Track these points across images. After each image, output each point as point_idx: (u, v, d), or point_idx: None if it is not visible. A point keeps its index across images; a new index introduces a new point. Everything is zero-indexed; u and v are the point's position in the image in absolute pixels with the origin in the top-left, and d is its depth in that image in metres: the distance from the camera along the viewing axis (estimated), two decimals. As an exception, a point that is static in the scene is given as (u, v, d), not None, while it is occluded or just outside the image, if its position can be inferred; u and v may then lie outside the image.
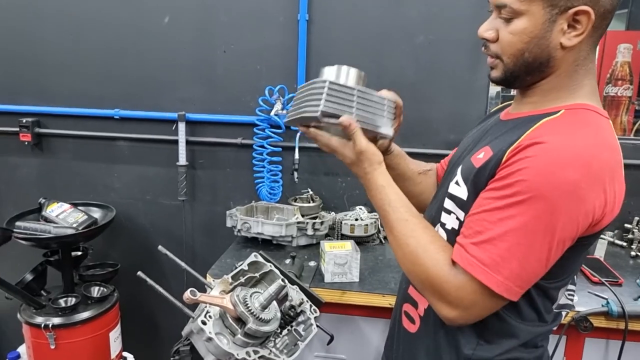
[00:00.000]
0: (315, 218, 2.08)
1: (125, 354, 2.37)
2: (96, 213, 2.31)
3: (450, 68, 2.13)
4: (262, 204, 2.15)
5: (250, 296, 1.25)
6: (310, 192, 2.21)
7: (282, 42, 2.19)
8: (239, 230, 1.96)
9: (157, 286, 1.26)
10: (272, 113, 2.10)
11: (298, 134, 2.17)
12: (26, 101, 2.41)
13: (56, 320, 2.07)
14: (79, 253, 2.33)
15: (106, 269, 2.35)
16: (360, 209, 2.07)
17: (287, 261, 1.74)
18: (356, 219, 2.01)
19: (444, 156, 1.36)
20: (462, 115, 2.16)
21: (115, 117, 2.35)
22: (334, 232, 2.04)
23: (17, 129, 2.39)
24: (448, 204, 1.03)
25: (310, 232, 1.95)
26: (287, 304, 1.36)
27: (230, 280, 1.35)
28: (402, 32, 2.13)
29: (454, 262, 0.91)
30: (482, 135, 1.09)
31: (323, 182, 2.29)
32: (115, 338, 2.26)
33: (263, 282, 1.47)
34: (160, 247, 1.33)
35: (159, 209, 2.44)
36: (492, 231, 0.87)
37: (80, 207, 2.28)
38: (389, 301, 1.62)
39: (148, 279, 1.27)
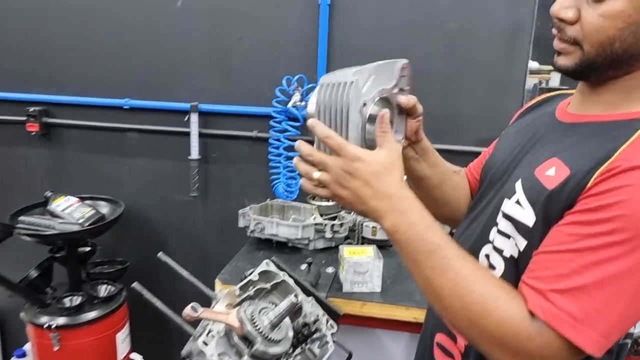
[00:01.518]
0: (334, 219, 1.94)
1: (133, 355, 2.27)
2: (104, 208, 2.20)
3: (484, 58, 1.96)
4: (278, 203, 2.01)
5: (259, 312, 1.12)
6: (330, 190, 2.06)
7: (302, 29, 2.05)
8: (252, 231, 1.83)
9: (153, 298, 1.15)
10: (290, 104, 1.95)
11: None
12: (34, 89, 2.31)
13: (60, 320, 1.99)
14: (87, 249, 2.23)
15: (115, 267, 2.25)
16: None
17: (303, 267, 1.61)
18: (378, 221, 1.87)
19: (475, 154, 1.20)
20: (496, 110, 1.99)
21: (125, 107, 2.23)
22: (354, 234, 1.89)
23: (25, 119, 2.29)
24: (505, 226, 0.85)
25: (328, 234, 1.80)
26: (301, 320, 1.22)
27: (237, 292, 1.22)
28: (431, 17, 1.97)
29: (531, 313, 0.72)
30: (535, 138, 0.91)
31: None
32: (122, 339, 2.16)
33: (275, 293, 1.34)
34: (160, 254, 1.20)
35: (170, 205, 2.33)
36: (584, 277, 0.70)
37: (87, 202, 2.17)
38: (413, 314, 1.47)
39: (144, 291, 1.16)
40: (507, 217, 0.85)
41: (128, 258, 2.28)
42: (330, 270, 1.66)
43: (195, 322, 1.09)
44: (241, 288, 1.26)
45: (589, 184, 0.72)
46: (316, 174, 0.79)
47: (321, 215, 1.93)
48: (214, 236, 2.32)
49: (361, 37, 2.02)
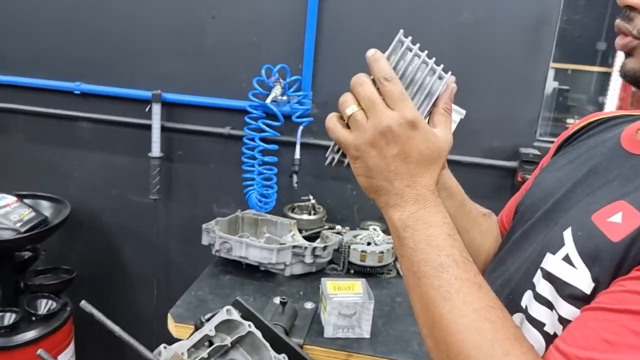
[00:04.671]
0: (317, 235, 1.66)
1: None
2: (47, 210, 1.89)
3: (501, 55, 1.68)
4: (250, 215, 1.71)
5: (211, 391, 0.83)
6: (312, 201, 1.78)
7: (288, 10, 1.74)
8: (217, 251, 1.53)
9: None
10: (269, 100, 1.65)
11: (300, 127, 1.72)
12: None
13: (-10, 342, 1.68)
14: (28, 255, 1.92)
15: (59, 277, 1.95)
16: (374, 229, 1.64)
17: (276, 301, 1.32)
18: (369, 243, 1.58)
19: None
20: (511, 117, 1.71)
21: (76, 92, 1.91)
22: (340, 257, 1.60)
23: (-42, 100, 1.95)
24: (545, 289, 0.60)
25: (308, 259, 1.51)
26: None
27: (185, 356, 0.92)
28: (442, 5, 1.67)
29: None
30: (592, 174, 0.67)
31: (329, 187, 1.85)
32: (65, 362, 1.86)
33: (239, 348, 1.05)
34: (83, 303, 0.90)
35: (127, 207, 2.02)
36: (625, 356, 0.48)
37: (27, 200, 1.86)
38: (409, 371, 1.20)
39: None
40: (550, 277, 0.60)
41: (77, 266, 1.96)
42: (309, 306, 1.37)
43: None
44: (193, 347, 0.97)
45: None
46: (352, 109, 0.58)
47: (300, 231, 1.65)
48: (178, 246, 2.02)
49: (356, 23, 1.72)
